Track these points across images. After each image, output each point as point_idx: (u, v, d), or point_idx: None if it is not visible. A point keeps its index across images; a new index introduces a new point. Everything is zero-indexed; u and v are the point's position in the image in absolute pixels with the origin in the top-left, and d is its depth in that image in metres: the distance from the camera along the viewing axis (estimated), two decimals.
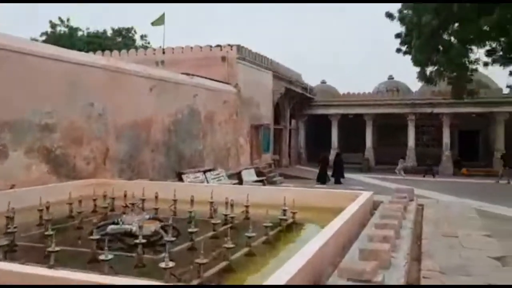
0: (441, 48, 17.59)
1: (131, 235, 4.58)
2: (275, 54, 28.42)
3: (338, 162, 22.55)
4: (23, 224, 5.34)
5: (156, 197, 6.23)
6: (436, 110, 26.94)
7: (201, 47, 18.66)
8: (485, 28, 15.71)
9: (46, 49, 9.50)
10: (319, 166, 21.76)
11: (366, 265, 2.87)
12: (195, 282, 3.39)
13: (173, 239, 4.22)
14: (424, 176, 24.32)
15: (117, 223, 4.89)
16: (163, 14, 21.56)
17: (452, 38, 17.72)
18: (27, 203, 5.85)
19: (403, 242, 4.11)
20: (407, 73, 30.74)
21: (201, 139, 14.64)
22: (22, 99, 8.25)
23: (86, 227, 5.39)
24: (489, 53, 17.70)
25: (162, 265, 3.24)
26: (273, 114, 22.80)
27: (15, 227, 4.73)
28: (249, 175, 16.82)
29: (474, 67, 18.13)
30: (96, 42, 33.16)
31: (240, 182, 15.43)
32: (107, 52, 20.62)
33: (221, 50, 18.32)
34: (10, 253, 4.32)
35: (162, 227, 4.72)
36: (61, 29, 35.56)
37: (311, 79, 31.09)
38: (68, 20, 35.51)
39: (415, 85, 28.41)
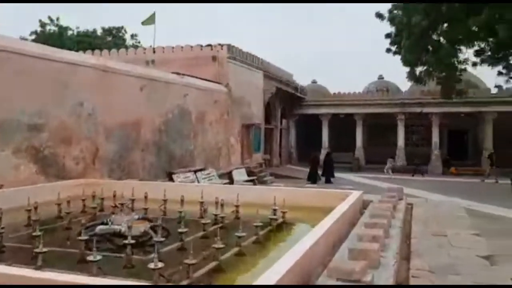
0: (430, 48, 17.73)
1: (120, 235, 4.55)
2: (266, 54, 28.50)
3: (328, 162, 22.65)
4: (11, 224, 5.28)
5: (146, 197, 6.19)
6: (426, 110, 27.13)
7: (191, 47, 18.61)
8: (474, 28, 15.86)
9: (35, 48, 9.42)
10: (310, 165, 21.82)
11: (355, 265, 2.87)
12: (184, 282, 3.38)
13: (163, 239, 4.19)
14: (413, 175, 24.50)
15: (106, 224, 4.86)
16: (154, 14, 21.49)
17: (441, 39, 17.87)
18: (15, 204, 5.79)
19: (392, 242, 4.13)
20: (397, 73, 31.01)
21: (192, 139, 14.60)
22: (10, 98, 8.16)
23: (74, 227, 5.33)
24: (477, 53, 17.88)
25: (151, 265, 3.22)
26: (264, 113, 22.81)
27: (2, 228, 4.68)
28: (240, 174, 16.80)
29: (463, 67, 18.30)
30: (86, 41, 32.93)
31: (231, 181, 15.41)
32: (97, 51, 20.51)
33: (211, 49, 18.28)
34: None
35: (152, 228, 4.70)
36: (51, 28, 35.27)
37: (302, 79, 31.24)
38: (58, 19, 35.27)
39: (405, 85, 28.64)
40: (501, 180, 20.50)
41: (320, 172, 21.71)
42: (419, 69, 18.83)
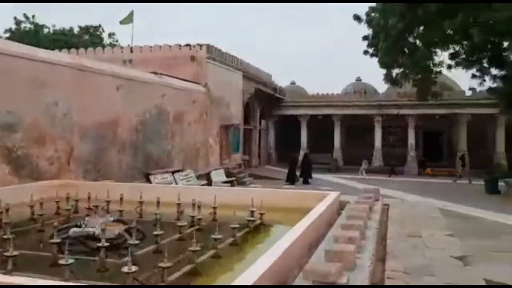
0: (406, 51, 17.99)
1: (94, 238, 4.46)
2: (245, 54, 28.44)
3: (306, 163, 22.79)
4: None
5: (121, 198, 6.10)
6: (402, 112, 27.53)
7: (170, 46, 18.46)
8: (449, 31, 16.16)
9: (9, 46, 9.19)
10: (288, 166, 21.91)
11: (331, 267, 2.87)
12: None
13: (137, 242, 4.12)
14: (390, 176, 24.84)
15: (80, 226, 4.76)
16: (132, 12, 21.20)
17: (417, 41, 18.15)
18: None
19: (368, 243, 4.15)
20: (374, 75, 31.34)
21: (170, 139, 14.47)
22: None
23: (48, 230, 5.22)
24: (452, 56, 18.21)
25: (125, 269, 3.16)
26: (243, 114, 22.79)
27: None
28: (218, 175, 16.73)
29: (438, 69, 18.60)
30: (62, 40, 32.34)
31: (209, 183, 15.34)
32: (73, 50, 20.16)
33: (190, 49, 18.18)
34: None
35: (127, 230, 4.62)
36: (26, 26, 34.50)
37: (281, 80, 31.31)
38: (33, 16, 34.53)
39: (382, 87, 28.99)
40: (475, 181, 20.93)
41: (298, 173, 21.82)
42: (395, 71, 19.07)
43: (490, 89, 19.23)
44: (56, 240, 4.10)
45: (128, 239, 4.34)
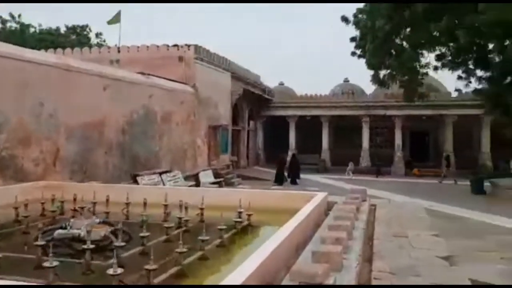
0: (393, 52, 18.15)
1: (80, 240, 4.41)
2: (233, 55, 28.39)
3: (294, 163, 22.85)
4: None
5: (107, 200, 6.04)
6: (389, 112, 27.75)
7: (157, 46, 18.37)
8: (435, 33, 16.33)
9: None
10: (276, 167, 21.94)
11: (318, 268, 2.87)
12: None
13: (123, 244, 4.08)
14: (377, 177, 25.00)
15: (65, 228, 4.70)
16: (119, 12, 21.06)
17: (404, 43, 18.33)
18: None
19: (355, 244, 4.16)
20: (362, 76, 31.53)
21: (157, 140, 14.39)
22: None
23: (33, 232, 5.14)
24: (438, 58, 18.42)
25: (110, 271, 3.12)
26: (231, 115, 22.77)
27: None
28: (206, 176, 16.69)
29: (424, 71, 18.82)
30: (48, 40, 32.02)
31: (197, 183, 15.28)
32: (59, 50, 19.95)
33: (178, 49, 18.12)
34: None
35: (113, 232, 4.57)
36: (12, 25, 34.09)
37: (269, 81, 31.33)
38: (19, 16, 34.15)
39: (369, 88, 29.17)
40: (461, 181, 21.15)
41: (286, 173, 21.87)
42: (382, 73, 19.25)
43: (475, 91, 19.47)
44: (41, 242, 4.04)
45: (114, 241, 4.29)
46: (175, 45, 18.22)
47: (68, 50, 19.88)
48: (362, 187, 8.61)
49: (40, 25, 35.12)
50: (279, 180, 20.82)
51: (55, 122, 9.93)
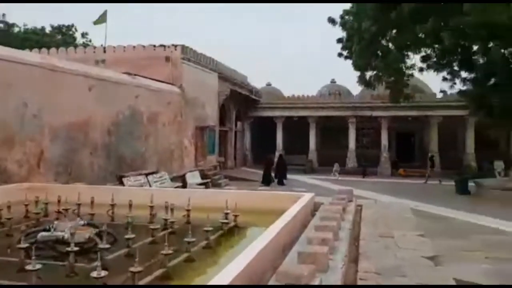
0: (379, 54, 18.29)
1: (64, 242, 4.34)
2: (220, 56, 28.28)
3: (281, 164, 22.90)
4: None
5: (92, 202, 5.96)
6: (375, 113, 27.96)
7: (144, 47, 18.26)
8: (421, 35, 16.51)
9: None
10: (264, 168, 21.97)
11: (303, 269, 2.87)
12: None
13: (108, 246, 4.03)
14: (363, 177, 25.17)
15: (49, 230, 4.62)
16: (105, 12, 20.91)
17: (390, 44, 18.49)
18: None
19: (341, 244, 4.17)
20: (348, 77, 31.70)
21: (144, 141, 14.29)
22: None
23: (16, 234, 5.05)
24: (424, 59, 18.61)
25: (94, 274, 3.08)
26: (218, 115, 22.72)
27: None
28: (193, 177, 16.64)
29: (410, 72, 19.01)
30: (33, 39, 31.63)
31: (184, 185, 15.22)
32: (44, 49, 19.71)
33: (164, 50, 18.03)
34: None
35: (97, 234, 4.51)
36: None
37: (257, 82, 31.38)
38: (3, 15, 33.69)
39: (356, 89, 29.40)
40: (446, 182, 21.37)
41: (273, 174, 21.90)
42: (369, 74, 19.39)
43: (460, 92, 19.72)
44: (24, 244, 3.97)
45: (98, 243, 4.24)
46: (162, 45, 18.13)
47: (53, 50, 19.66)
48: (349, 188, 8.65)
49: (25, 24, 34.75)
50: (266, 181, 20.83)
51: (39, 122, 9.80)
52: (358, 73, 19.46)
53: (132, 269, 3.22)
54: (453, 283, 3.65)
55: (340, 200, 6.29)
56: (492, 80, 17.81)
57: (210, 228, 4.77)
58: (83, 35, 36.51)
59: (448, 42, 15.25)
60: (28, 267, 3.39)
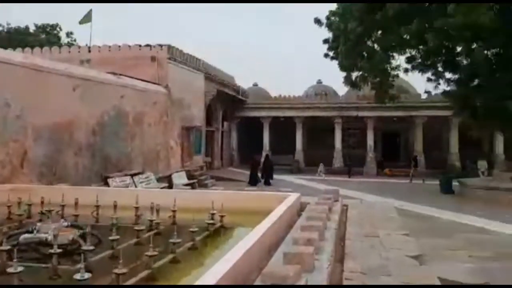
0: (365, 55, 18.42)
1: (47, 244, 4.28)
2: (207, 56, 28.15)
3: (267, 164, 22.93)
4: None
5: (76, 203, 5.89)
6: (361, 114, 28.16)
7: (129, 46, 18.13)
8: (405, 36, 16.66)
9: None
10: (250, 168, 21.98)
11: (289, 270, 2.87)
12: None
13: (92, 247, 3.99)
14: (349, 177, 25.32)
15: (32, 232, 4.55)
16: (90, 11, 20.67)
17: (376, 45, 18.63)
18: None
19: (327, 244, 4.18)
20: (334, 78, 31.84)
21: (129, 141, 14.18)
22: None
23: None
24: (409, 60, 18.80)
25: (77, 276, 3.04)
26: (205, 115, 22.65)
27: None
28: (179, 178, 16.56)
29: (395, 73, 19.18)
30: (17, 39, 31.18)
31: (170, 185, 15.15)
32: (27, 49, 19.43)
33: (150, 49, 17.92)
34: None
35: (81, 235, 4.46)
36: None
37: (243, 82, 31.34)
38: None
39: (342, 89, 29.58)
40: (431, 181, 21.58)
41: (260, 174, 21.93)
42: (355, 74, 19.51)
43: (444, 92, 19.95)
44: (6, 247, 3.90)
45: (82, 244, 4.19)
46: (148, 45, 18.02)
47: (37, 49, 19.39)
48: (335, 188, 8.70)
49: (8, 24, 34.28)
50: (253, 181, 20.84)
51: (22, 123, 9.66)
52: (344, 74, 19.59)
53: (116, 270, 3.19)
54: (438, 282, 3.67)
55: (326, 200, 6.30)
56: (476, 81, 18.07)
57: (196, 229, 4.74)
58: (68, 34, 36.16)
59: (433, 43, 15.43)
60: (10, 270, 3.33)
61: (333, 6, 18.96)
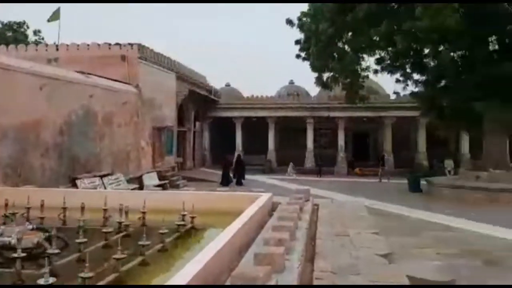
0: (336, 56, 18.61)
1: (11, 248, 4.14)
2: (178, 56, 27.82)
3: (239, 164, 22.89)
4: None
5: (42, 205, 5.73)
6: (332, 114, 28.46)
7: (99, 45, 17.76)
8: (375, 38, 16.93)
9: None
10: (222, 168, 21.89)
11: (259, 270, 2.86)
12: None
13: (58, 251, 3.88)
14: (320, 177, 25.53)
15: None
16: (59, 9, 20.15)
17: (346, 47, 18.85)
18: None
19: (297, 244, 4.19)
20: (306, 78, 32.04)
21: (98, 142, 13.90)
22: None
23: None
24: (378, 62, 19.11)
25: (41, 281, 2.95)
26: (176, 116, 22.44)
27: None
28: (150, 179, 16.33)
29: (365, 74, 19.45)
30: None
31: (141, 186, 14.93)
32: None
33: (120, 48, 17.61)
34: None
35: (47, 238, 4.33)
36: None
37: (216, 82, 31.18)
38: None
39: (314, 90, 29.80)
40: (400, 180, 21.94)
41: (232, 174, 21.85)
42: (326, 75, 19.69)
43: (412, 93, 20.39)
44: None
45: (47, 248, 4.07)
46: (117, 44, 17.70)
47: (2, 47, 18.78)
48: (306, 187, 8.74)
49: None
50: (225, 182, 20.76)
51: None
52: (315, 75, 19.73)
53: (82, 274, 3.11)
54: (406, 280, 3.73)
55: (297, 199, 6.33)
56: (443, 82, 18.55)
57: (166, 231, 4.69)
58: (36, 32, 35.12)
59: (401, 45, 15.72)
60: None
61: (305, 7, 19.10)
